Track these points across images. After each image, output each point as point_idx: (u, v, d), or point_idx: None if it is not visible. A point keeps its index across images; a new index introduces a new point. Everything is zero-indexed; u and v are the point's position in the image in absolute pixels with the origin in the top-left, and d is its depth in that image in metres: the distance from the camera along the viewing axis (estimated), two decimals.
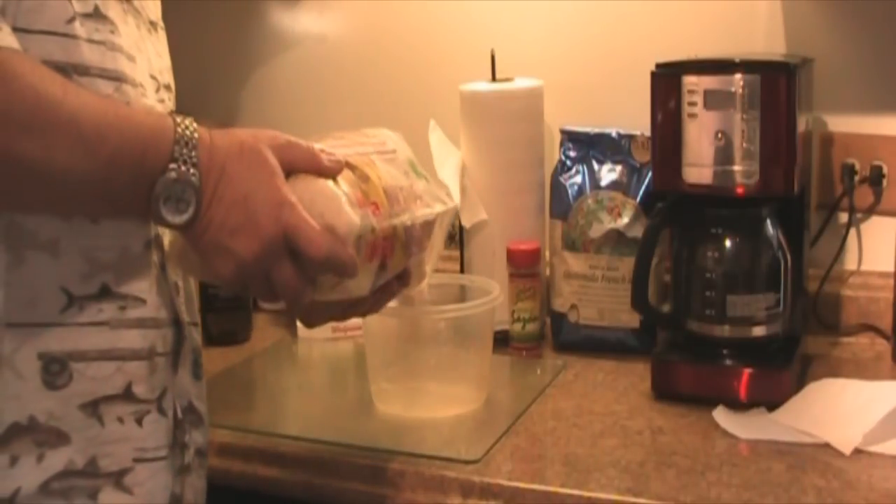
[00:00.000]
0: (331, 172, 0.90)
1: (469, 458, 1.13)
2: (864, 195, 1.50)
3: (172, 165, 0.81)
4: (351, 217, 0.87)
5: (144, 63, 0.91)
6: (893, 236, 1.45)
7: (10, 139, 0.75)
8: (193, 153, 0.82)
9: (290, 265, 0.86)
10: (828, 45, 1.48)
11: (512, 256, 1.46)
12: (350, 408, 1.33)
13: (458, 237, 1.59)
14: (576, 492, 1.06)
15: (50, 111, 0.77)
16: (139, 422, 0.87)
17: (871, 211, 1.51)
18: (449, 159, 1.53)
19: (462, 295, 1.37)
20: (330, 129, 0.98)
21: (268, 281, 0.86)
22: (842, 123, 1.50)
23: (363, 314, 1.03)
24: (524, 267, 1.45)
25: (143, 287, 0.88)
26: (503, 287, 1.39)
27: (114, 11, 0.87)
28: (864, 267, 1.52)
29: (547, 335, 1.51)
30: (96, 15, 0.85)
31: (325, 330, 1.56)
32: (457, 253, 1.60)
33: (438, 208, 1.01)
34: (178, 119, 0.83)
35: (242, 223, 0.84)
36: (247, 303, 1.61)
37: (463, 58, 1.64)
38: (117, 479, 0.85)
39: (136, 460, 0.87)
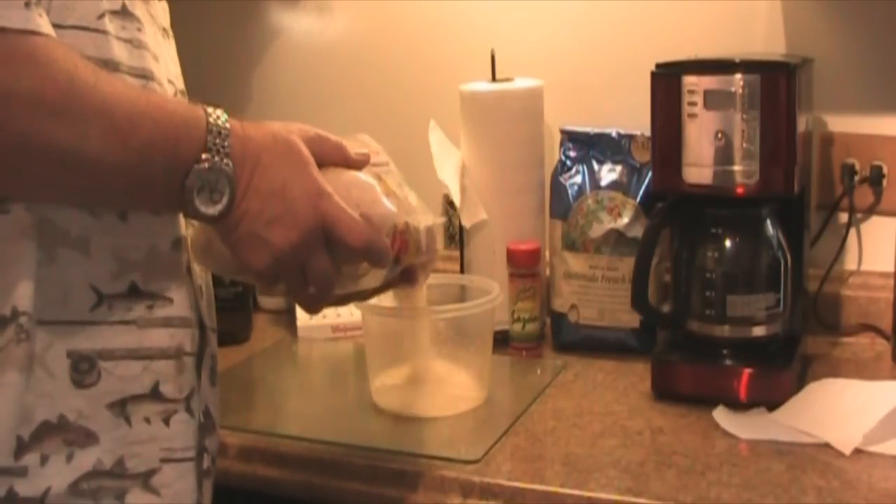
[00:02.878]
0: (359, 165, 0.91)
1: (469, 458, 1.13)
2: (864, 195, 1.50)
3: (205, 155, 0.81)
4: (387, 206, 0.88)
5: (164, 66, 0.92)
6: (893, 236, 1.45)
7: (42, 124, 0.75)
8: (226, 143, 0.82)
9: (327, 255, 0.86)
10: (828, 45, 1.48)
11: (512, 256, 1.46)
12: (350, 408, 1.33)
13: (458, 237, 1.60)
14: (576, 492, 1.06)
15: (83, 97, 0.76)
16: (166, 421, 0.87)
17: (871, 211, 1.51)
18: (449, 159, 1.53)
19: (462, 295, 1.37)
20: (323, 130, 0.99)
21: (302, 271, 0.87)
22: (842, 123, 1.50)
23: (361, 300, 1.05)
24: (524, 267, 1.45)
25: (170, 286, 0.87)
26: (503, 287, 1.39)
27: (140, 10, 0.88)
28: (864, 267, 1.52)
29: (547, 335, 1.50)
30: (124, 12, 0.85)
31: (324, 330, 1.56)
32: (457, 253, 1.60)
33: (436, 219, 1.01)
34: (210, 109, 0.83)
35: (280, 213, 0.84)
36: (247, 303, 1.61)
37: (463, 58, 1.64)
38: (145, 479, 0.85)
39: (164, 461, 0.87)
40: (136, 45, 0.86)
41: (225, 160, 0.82)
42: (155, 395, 0.86)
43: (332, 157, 0.90)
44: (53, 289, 0.81)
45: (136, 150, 0.79)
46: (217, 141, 0.82)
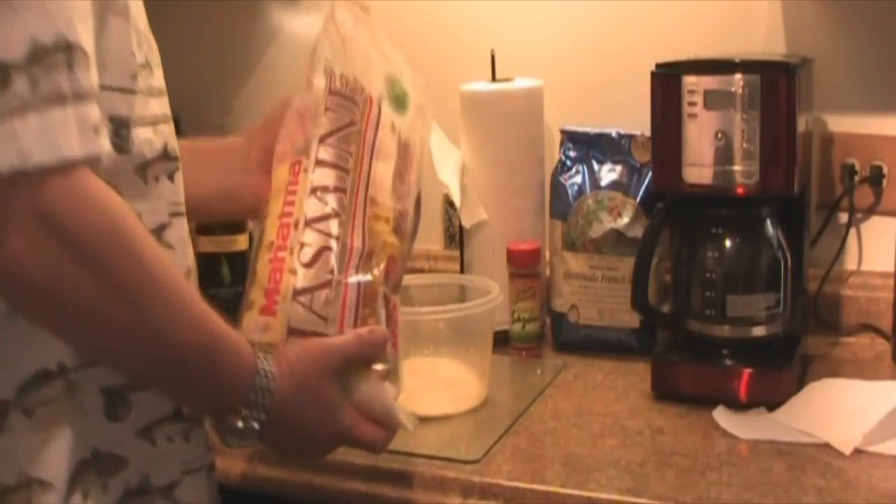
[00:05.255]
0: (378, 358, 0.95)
1: (469, 458, 1.13)
2: (864, 195, 1.50)
3: (245, 412, 0.86)
4: (402, 421, 0.97)
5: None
6: (893, 236, 1.45)
7: (108, 343, 0.80)
8: (266, 401, 0.86)
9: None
10: (828, 45, 1.48)
11: (512, 256, 1.46)
12: None
13: (458, 237, 1.60)
14: (576, 492, 1.06)
15: (146, 339, 0.80)
16: (186, 438, 0.91)
17: (871, 211, 1.51)
18: (449, 159, 1.53)
19: (462, 295, 1.37)
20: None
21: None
22: (842, 123, 1.50)
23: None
24: (524, 267, 1.45)
25: None
26: (503, 287, 1.39)
27: (153, 53, 0.89)
28: (864, 267, 1.52)
29: (547, 335, 1.50)
30: (145, 64, 0.87)
31: None
32: (457, 253, 1.60)
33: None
34: (261, 365, 0.86)
35: (304, 450, 0.97)
36: None
37: (463, 58, 1.64)
38: (167, 491, 0.89)
39: (185, 473, 0.91)
40: (148, 92, 0.87)
41: (260, 415, 0.86)
42: (177, 416, 0.90)
43: (357, 363, 0.94)
44: None
45: (179, 384, 0.85)
46: (257, 399, 0.86)
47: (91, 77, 0.75)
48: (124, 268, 0.76)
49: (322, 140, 0.98)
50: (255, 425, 0.86)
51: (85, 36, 0.75)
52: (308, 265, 0.93)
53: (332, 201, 0.96)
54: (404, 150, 1.05)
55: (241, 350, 0.86)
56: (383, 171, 1.01)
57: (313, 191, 0.96)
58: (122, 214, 0.77)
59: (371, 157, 1.00)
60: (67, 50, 0.72)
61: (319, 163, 0.97)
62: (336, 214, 0.95)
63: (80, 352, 0.82)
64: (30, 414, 0.80)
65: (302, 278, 0.93)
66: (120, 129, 0.82)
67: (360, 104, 1.01)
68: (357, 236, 0.96)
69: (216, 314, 0.85)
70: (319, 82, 1.00)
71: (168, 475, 0.89)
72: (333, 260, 0.94)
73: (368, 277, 0.95)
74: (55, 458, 0.81)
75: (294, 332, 0.92)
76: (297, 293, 0.93)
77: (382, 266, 0.97)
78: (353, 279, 0.94)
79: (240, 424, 0.86)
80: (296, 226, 0.95)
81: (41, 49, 0.71)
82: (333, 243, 0.95)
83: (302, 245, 0.94)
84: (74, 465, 0.82)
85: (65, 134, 0.72)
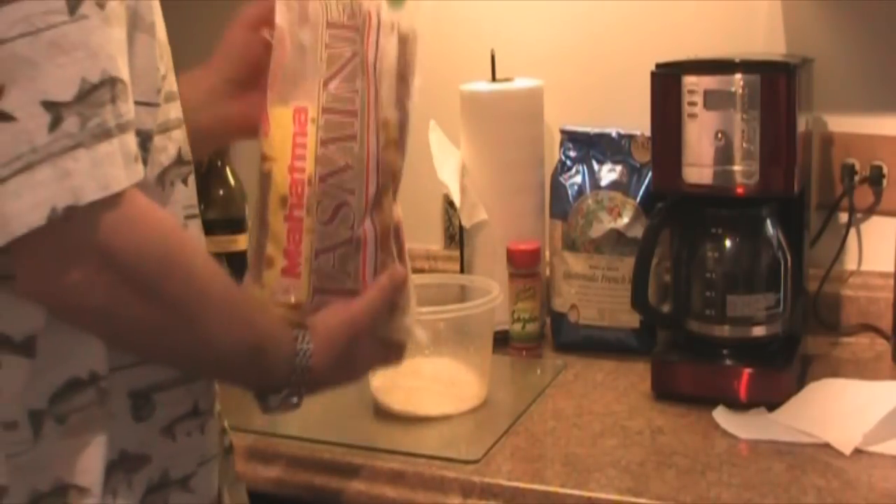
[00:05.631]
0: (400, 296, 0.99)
1: (469, 458, 1.14)
2: (864, 195, 1.50)
3: (286, 391, 0.93)
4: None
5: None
6: (893, 236, 1.45)
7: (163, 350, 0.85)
8: (305, 377, 0.92)
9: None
10: (828, 45, 1.48)
11: (512, 256, 1.46)
12: (350, 408, 1.33)
13: (458, 237, 1.60)
14: (576, 492, 1.06)
15: (199, 346, 0.86)
16: (202, 431, 0.94)
17: (871, 211, 1.51)
18: (449, 159, 1.53)
19: (462, 295, 1.37)
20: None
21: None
22: (842, 123, 1.50)
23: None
24: (524, 267, 1.45)
25: None
26: (503, 287, 1.39)
27: (169, 58, 0.90)
28: (864, 267, 1.52)
29: (547, 335, 1.51)
30: (164, 74, 0.88)
31: None
32: (457, 253, 1.60)
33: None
34: (299, 345, 0.91)
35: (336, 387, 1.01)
36: None
37: (463, 58, 1.64)
38: (183, 483, 0.91)
39: (200, 464, 0.94)
40: (168, 98, 0.89)
41: (301, 391, 0.93)
42: (195, 412, 0.93)
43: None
44: None
45: (228, 374, 0.92)
46: (296, 378, 0.92)
47: (130, 106, 0.78)
48: (176, 286, 0.81)
49: (326, 85, 0.96)
50: (295, 400, 0.93)
51: (124, 68, 0.78)
52: (327, 223, 0.94)
53: (344, 153, 0.95)
54: (404, 46, 1.03)
55: (283, 339, 0.91)
56: (388, 85, 0.99)
57: (324, 143, 0.95)
58: (169, 230, 0.82)
59: (377, 83, 0.98)
60: (111, 84, 0.75)
61: (326, 110, 0.96)
62: (349, 167, 0.95)
63: (136, 356, 0.86)
64: (62, 421, 0.82)
65: (321, 238, 0.94)
66: (146, 142, 0.84)
67: (360, 27, 0.98)
68: (371, 182, 0.96)
69: (258, 306, 0.92)
70: (316, 12, 0.97)
71: (185, 468, 0.92)
72: (352, 215, 0.95)
73: (383, 219, 0.96)
74: (89, 463, 0.83)
75: (318, 290, 0.95)
76: (318, 253, 0.94)
77: (390, 194, 0.97)
78: (370, 227, 0.95)
79: (280, 401, 0.93)
80: (309, 182, 0.94)
81: (89, 87, 0.74)
82: (349, 198, 0.95)
83: (319, 202, 0.94)
84: (104, 465, 0.84)
85: (112, 167, 0.75)
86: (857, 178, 1.49)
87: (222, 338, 0.85)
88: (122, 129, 0.76)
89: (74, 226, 0.74)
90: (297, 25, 0.97)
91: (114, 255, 0.76)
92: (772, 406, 1.22)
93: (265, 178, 0.96)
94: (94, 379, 0.83)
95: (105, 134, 0.75)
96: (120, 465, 0.85)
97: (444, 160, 1.53)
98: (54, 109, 0.73)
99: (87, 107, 0.74)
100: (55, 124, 0.73)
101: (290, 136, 0.96)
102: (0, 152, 0.72)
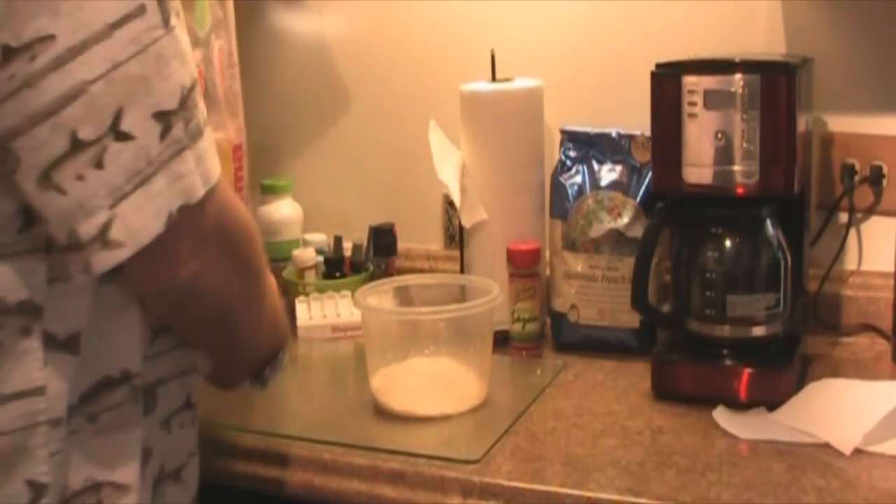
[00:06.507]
0: None
1: (469, 458, 1.13)
2: (864, 195, 1.50)
3: (281, 355, 1.07)
4: None
5: None
6: (893, 236, 1.45)
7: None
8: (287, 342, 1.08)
9: None
10: (828, 45, 1.48)
11: (512, 256, 1.46)
12: (350, 408, 1.33)
13: (458, 237, 1.60)
14: (576, 492, 1.06)
15: (264, 312, 0.97)
16: (193, 423, 0.98)
17: (871, 211, 1.51)
18: (449, 159, 1.53)
19: (462, 295, 1.37)
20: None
21: None
22: (842, 123, 1.50)
23: None
24: (524, 267, 1.45)
25: None
26: (503, 287, 1.39)
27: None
28: (864, 267, 1.52)
29: (547, 335, 1.50)
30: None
31: (324, 330, 1.56)
32: (457, 253, 1.60)
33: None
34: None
35: None
36: None
37: (463, 58, 1.64)
38: (176, 475, 0.95)
39: (190, 455, 0.98)
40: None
41: (285, 356, 1.06)
42: (188, 404, 0.98)
43: None
44: None
45: (269, 343, 1.03)
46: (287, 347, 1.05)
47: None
48: (256, 256, 0.91)
49: None
50: (284, 363, 1.04)
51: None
52: None
53: None
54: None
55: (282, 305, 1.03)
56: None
57: None
58: (240, 202, 0.89)
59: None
60: (195, 86, 0.81)
61: None
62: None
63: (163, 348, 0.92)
64: (94, 419, 0.84)
65: None
66: None
67: None
68: None
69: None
70: None
71: (178, 460, 0.95)
72: None
73: None
74: (125, 460, 0.86)
75: None
76: None
77: None
78: None
79: (274, 368, 1.04)
80: None
81: (186, 92, 0.79)
82: None
83: None
84: (139, 463, 0.87)
85: (210, 161, 0.81)
86: (857, 178, 1.49)
87: (271, 304, 0.96)
88: (206, 122, 0.81)
89: (188, 222, 0.79)
90: None
91: (227, 237, 0.84)
92: (772, 406, 1.22)
93: None
94: (126, 377, 0.86)
95: (200, 132, 0.80)
96: (143, 461, 0.89)
97: (444, 160, 1.53)
98: (164, 119, 0.77)
99: (187, 110, 0.79)
100: (165, 133, 0.77)
101: None
102: (124, 169, 0.76)
